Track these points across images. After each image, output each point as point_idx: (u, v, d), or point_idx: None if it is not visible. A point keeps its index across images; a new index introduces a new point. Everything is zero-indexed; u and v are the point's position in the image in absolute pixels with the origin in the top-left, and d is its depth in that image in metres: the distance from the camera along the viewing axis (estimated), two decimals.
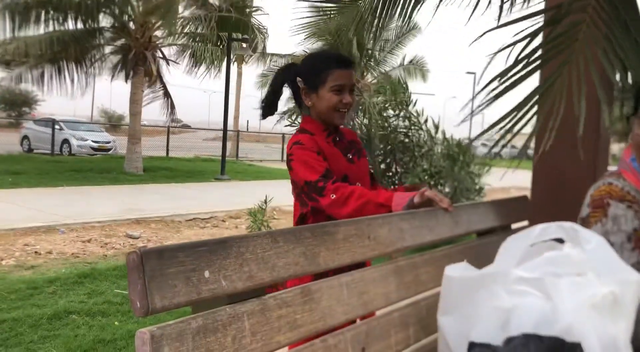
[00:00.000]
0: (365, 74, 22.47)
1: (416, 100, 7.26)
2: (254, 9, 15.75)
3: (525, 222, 2.19)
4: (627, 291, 1.17)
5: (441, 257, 1.49)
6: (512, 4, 2.93)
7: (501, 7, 3.60)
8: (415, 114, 7.07)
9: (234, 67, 23.33)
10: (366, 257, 1.26)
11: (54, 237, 6.33)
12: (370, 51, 22.35)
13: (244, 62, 23.47)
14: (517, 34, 1.99)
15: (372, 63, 22.74)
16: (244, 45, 13.90)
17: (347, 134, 1.86)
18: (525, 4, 2.62)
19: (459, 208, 1.64)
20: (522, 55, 2.00)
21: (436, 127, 7.21)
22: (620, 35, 2.03)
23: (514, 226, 2.10)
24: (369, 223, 1.26)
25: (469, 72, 29.03)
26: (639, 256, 1.22)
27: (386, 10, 4.37)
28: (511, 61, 2.00)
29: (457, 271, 1.23)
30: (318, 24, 5.22)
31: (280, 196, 6.55)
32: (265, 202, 6.48)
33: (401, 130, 6.93)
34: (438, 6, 3.66)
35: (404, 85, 7.44)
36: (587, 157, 1.52)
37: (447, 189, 6.92)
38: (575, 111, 1.88)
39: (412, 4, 4.15)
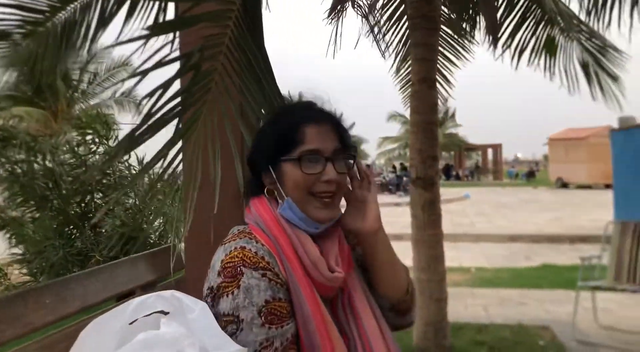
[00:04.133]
0: (72, 105, 20.80)
1: (117, 136, 6.76)
2: None
3: (182, 274, 2.02)
4: None
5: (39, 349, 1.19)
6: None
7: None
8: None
9: None
10: None
11: None
12: (76, 82, 20.82)
13: None
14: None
15: (78, 95, 21.19)
16: None
17: None
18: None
19: (68, 281, 1.36)
20: (160, 104, 1.85)
21: (140, 161, 6.81)
22: (251, 82, 2.02)
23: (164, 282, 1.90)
24: None
25: None
26: (267, 332, 1.06)
27: (67, 37, 3.95)
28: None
29: None
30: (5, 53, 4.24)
31: None
32: None
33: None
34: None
35: (104, 118, 6.88)
36: (234, 211, 1.35)
37: (155, 224, 6.59)
38: (210, 170, 1.79)
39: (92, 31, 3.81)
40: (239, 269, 1.08)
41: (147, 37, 1.70)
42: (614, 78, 5.28)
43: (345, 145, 1.23)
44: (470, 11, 5.08)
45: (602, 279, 4.92)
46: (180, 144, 1.95)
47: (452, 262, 8.61)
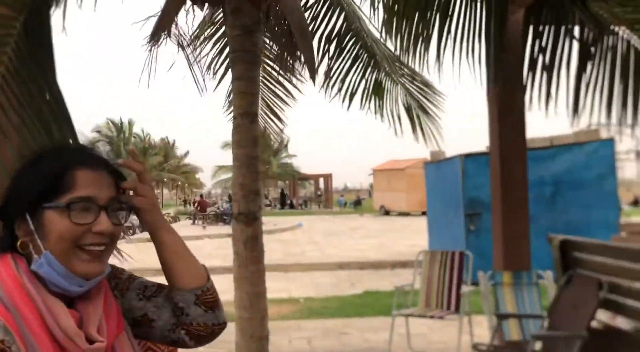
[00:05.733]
0: None
1: None
2: None
3: None
4: None
5: None
6: None
7: None
8: None
9: None
10: None
11: None
12: None
13: None
14: None
15: None
16: None
17: None
18: None
19: None
20: None
21: None
22: (33, 120, 1.77)
23: None
24: None
25: None
26: None
27: None
28: None
29: None
30: None
31: None
32: None
33: None
34: None
35: None
36: None
37: None
38: None
39: None
40: None
41: None
42: (433, 118, 5.69)
43: (120, 194, 1.11)
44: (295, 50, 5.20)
45: (415, 305, 5.24)
46: None
47: (281, 293, 8.63)
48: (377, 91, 5.48)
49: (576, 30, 4.59)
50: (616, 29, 4.57)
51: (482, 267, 4.80)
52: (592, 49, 4.61)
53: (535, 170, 8.12)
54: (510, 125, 4.73)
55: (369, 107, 5.48)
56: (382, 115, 5.54)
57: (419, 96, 5.59)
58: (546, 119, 4.67)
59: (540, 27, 4.62)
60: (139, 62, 4.63)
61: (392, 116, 5.56)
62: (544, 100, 4.57)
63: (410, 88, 5.56)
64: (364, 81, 5.32)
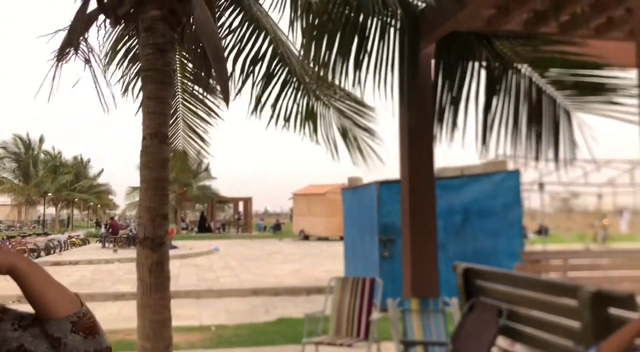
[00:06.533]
0: None
1: None
2: None
3: None
4: None
5: None
6: None
7: None
8: None
9: None
10: None
11: None
12: None
13: None
14: None
15: None
16: None
17: None
18: None
19: None
20: None
21: None
22: None
23: None
24: None
25: None
26: None
27: None
28: None
29: None
30: None
31: None
32: None
33: None
34: None
35: None
36: None
37: None
38: None
39: None
40: None
41: None
42: (372, 133, 5.63)
43: None
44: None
45: (326, 332, 5.20)
46: None
47: (192, 320, 8.33)
48: (310, 116, 5.47)
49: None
50: (519, 66, 4.84)
51: (395, 293, 4.84)
52: (497, 86, 4.86)
53: (445, 199, 8.41)
54: (420, 154, 4.86)
55: (304, 132, 5.43)
56: (317, 140, 5.50)
57: (357, 116, 5.56)
58: (462, 150, 4.83)
59: (450, 62, 4.81)
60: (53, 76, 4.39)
61: (328, 140, 5.53)
62: (451, 132, 4.75)
63: (343, 108, 5.54)
64: (295, 106, 5.29)
